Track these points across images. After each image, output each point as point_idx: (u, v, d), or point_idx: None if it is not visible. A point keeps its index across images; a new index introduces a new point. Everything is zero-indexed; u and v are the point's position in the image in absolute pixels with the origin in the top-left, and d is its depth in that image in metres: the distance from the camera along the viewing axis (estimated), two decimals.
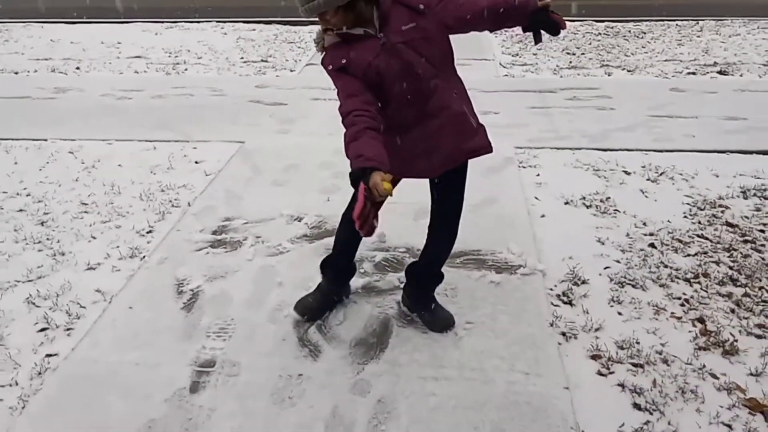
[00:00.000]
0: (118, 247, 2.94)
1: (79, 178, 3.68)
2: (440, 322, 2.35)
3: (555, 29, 1.93)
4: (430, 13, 1.89)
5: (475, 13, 1.91)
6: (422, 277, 2.38)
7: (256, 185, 3.52)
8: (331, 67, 1.92)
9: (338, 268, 2.43)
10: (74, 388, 2.10)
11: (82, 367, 2.19)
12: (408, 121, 2.00)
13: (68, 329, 2.40)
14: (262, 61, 6.09)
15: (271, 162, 3.78)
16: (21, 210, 3.33)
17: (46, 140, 4.23)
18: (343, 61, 1.89)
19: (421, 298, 2.40)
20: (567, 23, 1.99)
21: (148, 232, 3.07)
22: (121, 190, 3.51)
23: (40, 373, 2.17)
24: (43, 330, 2.40)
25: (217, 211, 3.24)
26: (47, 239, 3.03)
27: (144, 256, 2.86)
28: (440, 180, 2.13)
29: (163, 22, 7.82)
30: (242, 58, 6.20)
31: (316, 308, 2.42)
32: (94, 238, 3.04)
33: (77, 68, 6.02)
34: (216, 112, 4.73)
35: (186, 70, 5.85)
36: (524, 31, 1.99)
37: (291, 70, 5.80)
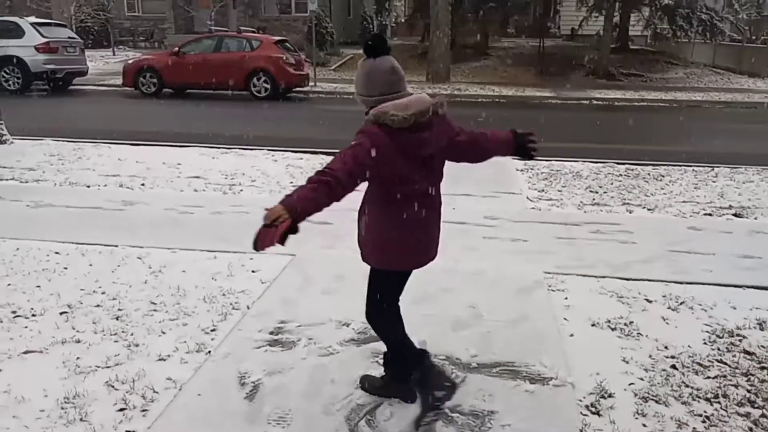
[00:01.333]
0: (185, 342, 3.27)
1: (147, 281, 4.08)
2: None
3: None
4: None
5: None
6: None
7: (308, 293, 3.88)
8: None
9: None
10: None
11: None
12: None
13: (144, 410, 2.68)
14: None
15: (320, 273, 4.17)
16: (98, 305, 3.70)
17: (116, 246, 4.69)
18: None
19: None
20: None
21: (212, 330, 3.41)
22: (186, 293, 3.88)
23: None
24: (122, 410, 2.68)
25: (274, 315, 3.58)
26: (122, 332, 3.38)
27: (209, 351, 3.18)
28: None
29: (219, 147, 8.61)
30: (291, 182, 6.80)
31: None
32: (164, 333, 3.38)
33: (142, 184, 6.65)
34: None
35: (241, 191, 6.43)
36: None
37: None
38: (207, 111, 13.31)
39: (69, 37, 16.23)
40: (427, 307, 3.68)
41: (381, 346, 3.21)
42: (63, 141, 8.84)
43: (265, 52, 15.09)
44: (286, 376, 2.95)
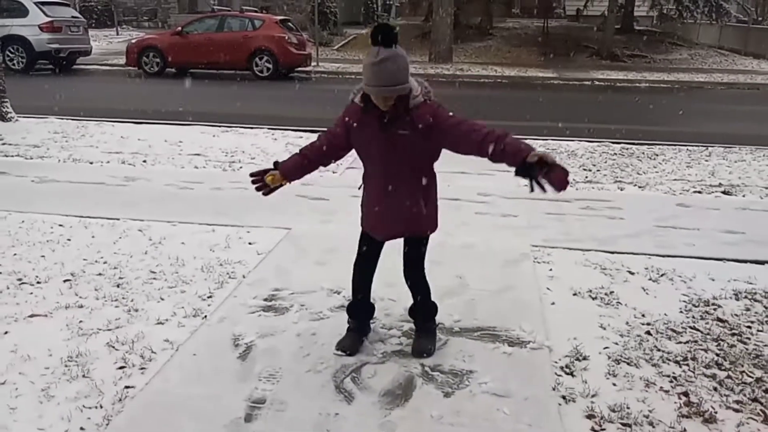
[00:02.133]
0: (183, 307, 3.43)
1: (147, 252, 4.23)
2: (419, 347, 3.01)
3: (551, 186, 2.27)
4: (427, 132, 2.54)
5: (466, 150, 2.58)
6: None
7: (302, 263, 4.03)
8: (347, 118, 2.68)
9: (361, 309, 3.07)
10: (150, 412, 2.52)
11: (155, 396, 2.62)
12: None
13: (142, 368, 2.85)
14: None
15: (314, 245, 4.31)
16: (100, 274, 3.86)
17: (118, 219, 4.84)
18: (355, 124, 2.64)
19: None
20: (569, 174, 2.34)
21: (208, 297, 3.57)
22: (185, 263, 4.04)
23: (120, 400, 2.60)
24: (121, 368, 2.85)
25: (268, 283, 3.73)
26: (123, 298, 3.54)
27: (205, 316, 3.34)
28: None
29: (219, 125, 8.74)
30: None
31: (352, 345, 3.00)
32: (163, 299, 3.54)
33: (144, 161, 6.79)
34: (267, 203, 5.26)
35: (241, 167, 6.57)
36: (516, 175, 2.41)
37: (333, 172, 6.45)
38: (209, 90, 13.41)
39: (72, 17, 16.30)
40: None
41: None
42: (67, 119, 8.97)
43: (268, 32, 15.13)
44: (277, 339, 3.11)
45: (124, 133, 8.20)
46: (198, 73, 15.62)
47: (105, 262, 4.05)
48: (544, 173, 2.27)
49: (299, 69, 16.27)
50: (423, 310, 3.07)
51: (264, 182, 2.89)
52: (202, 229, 4.66)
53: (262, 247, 4.31)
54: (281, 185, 2.90)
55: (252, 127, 8.66)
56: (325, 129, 2.85)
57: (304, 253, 4.21)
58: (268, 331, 3.18)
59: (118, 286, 3.70)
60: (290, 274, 3.87)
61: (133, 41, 16.13)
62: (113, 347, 3.02)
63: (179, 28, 15.71)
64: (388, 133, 2.59)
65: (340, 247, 4.28)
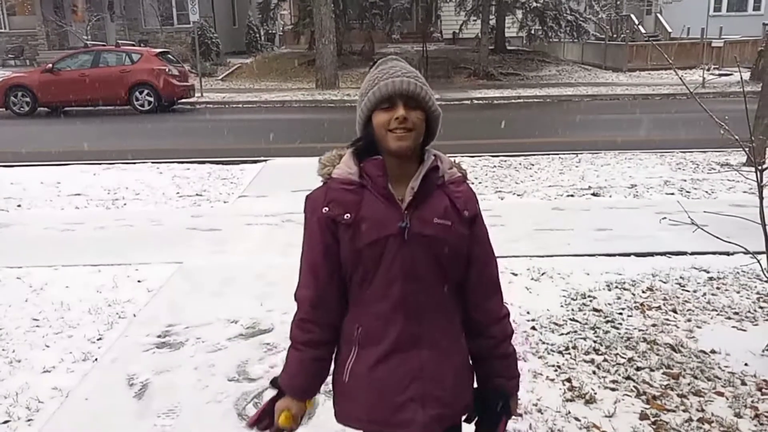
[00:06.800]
0: (71, 352, 3.28)
1: (28, 299, 4.00)
2: None
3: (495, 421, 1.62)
4: (471, 226, 1.55)
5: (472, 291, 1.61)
6: None
7: (196, 297, 3.97)
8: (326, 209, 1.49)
9: None
10: None
11: None
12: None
13: (29, 420, 2.71)
14: (197, 195, 6.68)
15: (208, 277, 4.26)
16: None
17: None
18: (347, 216, 1.46)
19: None
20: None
21: (98, 339, 3.43)
22: (70, 307, 3.85)
23: None
24: (5, 422, 2.69)
25: (161, 320, 3.64)
26: (2, 350, 3.33)
27: (96, 359, 3.21)
28: None
29: (100, 163, 8.37)
30: (178, 193, 6.78)
31: None
32: (48, 347, 3.37)
33: (18, 206, 6.39)
34: (155, 239, 5.21)
35: (125, 204, 6.34)
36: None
37: (224, 202, 6.40)
38: (87, 128, 12.79)
39: None
40: None
41: (268, 338, 3.40)
42: None
43: (147, 65, 14.69)
44: (174, 374, 3.05)
45: None
46: (74, 111, 14.87)
47: None
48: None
49: (183, 101, 15.90)
50: None
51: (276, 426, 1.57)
52: (86, 271, 4.47)
53: (152, 283, 4.20)
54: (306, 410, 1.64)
55: (135, 162, 8.38)
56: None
57: (198, 285, 4.15)
58: (164, 367, 3.11)
59: None
60: (184, 308, 3.80)
61: None
62: None
63: (50, 66, 14.90)
64: (415, 230, 1.47)
65: (237, 277, 4.27)
